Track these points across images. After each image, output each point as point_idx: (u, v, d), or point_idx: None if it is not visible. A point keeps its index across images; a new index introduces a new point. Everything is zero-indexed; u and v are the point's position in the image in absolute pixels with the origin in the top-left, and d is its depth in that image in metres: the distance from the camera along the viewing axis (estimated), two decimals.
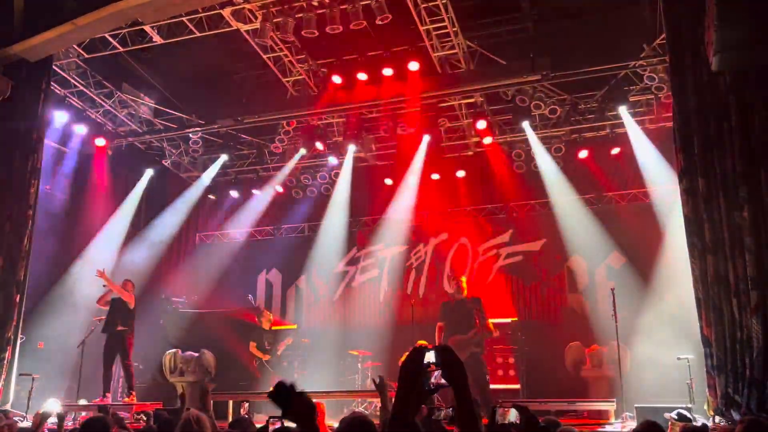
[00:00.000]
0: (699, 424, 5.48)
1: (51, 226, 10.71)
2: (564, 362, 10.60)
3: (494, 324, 8.74)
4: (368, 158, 12.66)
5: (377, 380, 4.20)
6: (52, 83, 9.53)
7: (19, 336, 8.32)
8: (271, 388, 1.96)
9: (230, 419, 7.65)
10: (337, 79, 10.56)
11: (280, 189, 13.29)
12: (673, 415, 6.26)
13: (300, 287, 13.39)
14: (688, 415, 6.24)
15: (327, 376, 11.27)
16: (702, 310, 6.54)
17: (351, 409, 9.47)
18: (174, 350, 10.70)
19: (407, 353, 2.14)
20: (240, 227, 13.82)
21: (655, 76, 9.74)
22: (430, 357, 2.08)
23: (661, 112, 10.53)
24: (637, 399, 7.92)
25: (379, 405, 8.05)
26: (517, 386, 10.44)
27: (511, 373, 10.69)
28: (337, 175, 12.84)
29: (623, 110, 10.58)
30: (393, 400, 2.19)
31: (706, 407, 6.61)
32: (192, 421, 3.56)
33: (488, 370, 9.00)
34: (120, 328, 9.35)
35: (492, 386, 9.41)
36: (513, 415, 2.13)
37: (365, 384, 10.52)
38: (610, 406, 8.07)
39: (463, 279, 9.00)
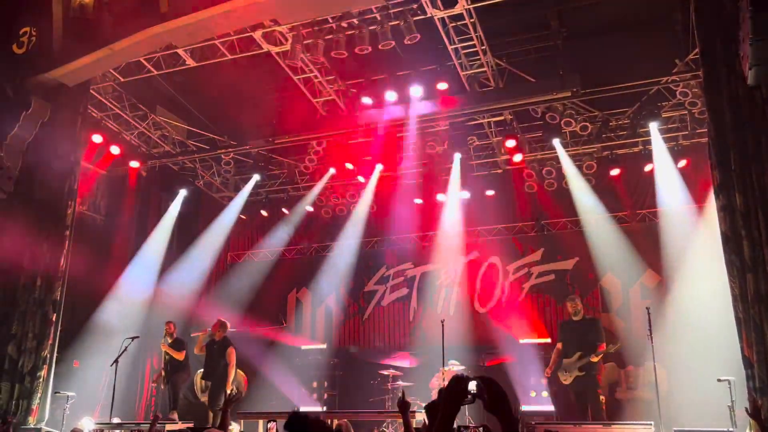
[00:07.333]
0: None
1: (87, 247, 10.91)
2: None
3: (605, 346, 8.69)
4: (397, 177, 12.66)
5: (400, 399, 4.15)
6: (89, 106, 9.79)
7: (54, 354, 8.46)
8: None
9: None
10: (367, 100, 10.63)
11: (310, 208, 13.37)
12: None
13: (329, 306, 13.39)
14: None
15: (356, 396, 11.20)
16: (743, 330, 6.35)
17: (381, 430, 9.38)
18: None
19: (449, 380, 2.22)
20: (270, 247, 13.92)
21: (688, 91, 9.58)
22: (471, 386, 2.17)
23: (694, 127, 10.35)
24: (675, 422, 7.67)
25: None
26: (551, 408, 10.22)
27: (545, 394, 10.48)
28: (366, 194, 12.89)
29: (654, 127, 10.43)
30: (425, 420, 2.22)
31: (748, 431, 6.38)
32: None
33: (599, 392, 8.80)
34: None
35: (525, 407, 9.25)
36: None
37: (396, 404, 10.42)
38: (646, 429, 7.83)
39: (579, 300, 8.95)
